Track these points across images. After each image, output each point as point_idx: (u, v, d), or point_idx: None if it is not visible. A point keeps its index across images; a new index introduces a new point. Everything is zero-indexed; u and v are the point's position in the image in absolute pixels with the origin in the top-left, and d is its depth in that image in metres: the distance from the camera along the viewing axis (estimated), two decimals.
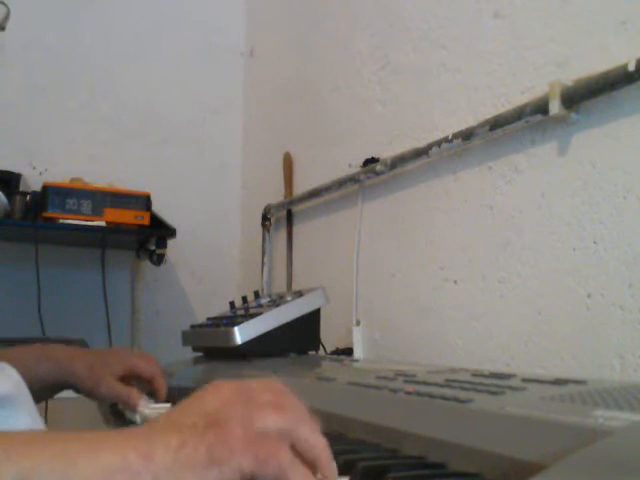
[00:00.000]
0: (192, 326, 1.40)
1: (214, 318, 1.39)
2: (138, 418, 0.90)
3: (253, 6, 2.43)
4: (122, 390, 0.96)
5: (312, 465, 0.46)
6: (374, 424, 0.59)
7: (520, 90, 1.16)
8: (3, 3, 1.02)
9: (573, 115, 1.04)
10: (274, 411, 0.47)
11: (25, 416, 0.67)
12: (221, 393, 0.48)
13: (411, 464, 0.48)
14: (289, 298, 1.26)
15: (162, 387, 1.00)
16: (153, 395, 0.99)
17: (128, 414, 0.94)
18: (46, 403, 1.27)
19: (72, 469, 0.40)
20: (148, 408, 0.92)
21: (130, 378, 1.00)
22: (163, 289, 2.27)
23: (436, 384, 0.66)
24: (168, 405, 0.94)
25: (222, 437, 0.43)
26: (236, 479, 0.43)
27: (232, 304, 1.44)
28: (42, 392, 0.94)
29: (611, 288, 0.97)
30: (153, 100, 2.29)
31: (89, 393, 0.97)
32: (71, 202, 1.89)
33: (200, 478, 0.42)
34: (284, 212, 2.02)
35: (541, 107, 1.07)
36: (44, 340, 1.78)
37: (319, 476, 0.46)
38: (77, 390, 0.98)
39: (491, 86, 1.24)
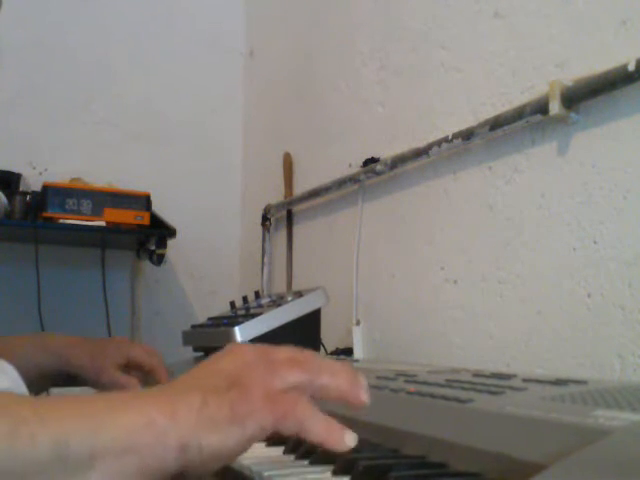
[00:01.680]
0: (193, 326, 1.40)
1: (215, 318, 1.39)
2: None
3: (253, 6, 2.43)
4: (123, 380, 0.96)
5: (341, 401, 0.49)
6: (375, 424, 0.59)
7: (520, 90, 1.17)
8: None
9: (573, 115, 1.04)
10: (292, 367, 0.48)
11: None
12: (240, 355, 0.49)
13: (412, 464, 0.49)
14: (290, 298, 1.26)
15: (163, 379, 1.00)
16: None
17: None
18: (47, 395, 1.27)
19: (102, 429, 0.42)
20: None
21: (130, 369, 1.00)
22: (163, 289, 2.27)
23: (437, 384, 0.66)
24: None
25: (243, 396, 0.45)
26: (258, 435, 0.45)
27: (232, 304, 1.44)
28: (41, 381, 0.94)
29: (611, 288, 0.97)
30: (153, 100, 2.29)
31: (90, 382, 0.97)
32: (71, 202, 1.89)
33: (223, 435, 0.43)
34: (284, 212, 2.02)
35: (541, 107, 1.07)
36: None
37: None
38: (77, 379, 0.97)
39: (491, 86, 1.24)
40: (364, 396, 0.49)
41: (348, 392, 0.49)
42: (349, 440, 0.46)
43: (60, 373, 0.96)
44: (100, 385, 0.96)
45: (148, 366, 1.00)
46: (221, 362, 0.49)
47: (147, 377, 1.00)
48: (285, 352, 0.50)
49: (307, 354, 0.51)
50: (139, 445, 0.42)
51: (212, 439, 0.43)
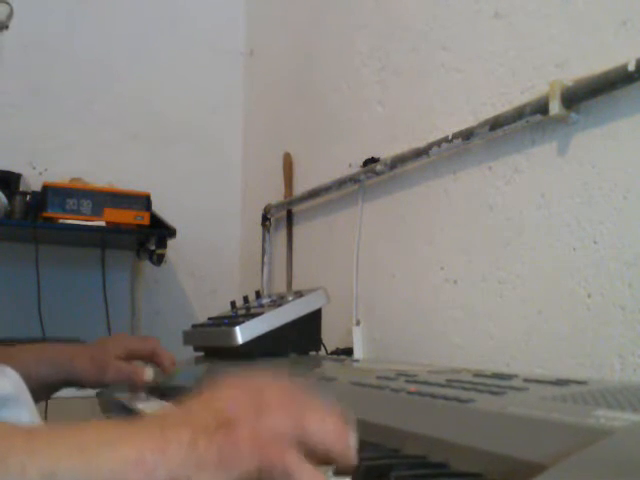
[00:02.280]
0: (193, 326, 1.40)
1: (215, 318, 1.39)
2: (140, 406, 0.91)
3: (253, 6, 2.43)
4: (128, 368, 0.97)
5: (327, 458, 0.47)
6: (376, 424, 0.59)
7: (520, 90, 1.17)
8: (6, 2, 1.02)
9: (573, 115, 1.04)
10: (282, 411, 0.47)
11: (26, 416, 0.67)
12: (231, 393, 0.49)
13: (413, 464, 0.49)
14: (290, 298, 1.26)
15: (165, 358, 1.01)
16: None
17: (132, 405, 0.95)
18: (46, 403, 1.28)
19: (92, 463, 0.42)
20: (143, 403, 0.93)
21: (132, 359, 1.01)
22: (163, 289, 2.27)
23: (437, 384, 0.66)
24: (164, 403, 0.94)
25: (231, 439, 0.45)
26: (243, 478, 0.44)
27: (233, 304, 1.44)
28: (41, 392, 0.95)
29: (611, 288, 0.97)
30: (153, 100, 2.29)
31: (96, 384, 0.98)
32: (71, 202, 1.89)
33: (210, 476, 0.43)
34: (284, 212, 2.02)
35: (541, 107, 1.07)
36: (44, 340, 1.78)
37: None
38: (82, 386, 0.98)
39: (491, 86, 1.24)
40: (352, 455, 0.47)
41: (334, 448, 0.47)
42: None
43: (61, 383, 0.97)
44: (108, 381, 0.97)
45: (148, 352, 1.02)
46: (213, 399, 0.49)
47: (150, 364, 1.01)
48: (276, 392, 0.50)
49: (297, 397, 0.50)
50: None
51: (200, 478, 0.43)
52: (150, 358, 1.03)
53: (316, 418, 0.48)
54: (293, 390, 0.50)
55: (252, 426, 0.46)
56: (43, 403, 1.27)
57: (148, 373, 0.97)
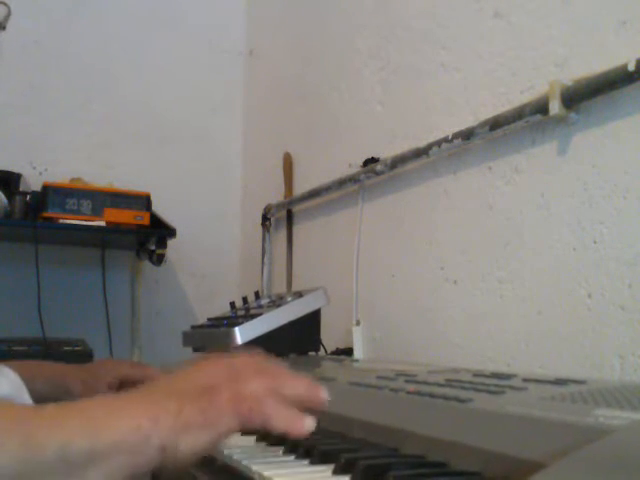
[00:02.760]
0: (193, 326, 1.40)
1: (215, 318, 1.39)
2: None
3: (253, 6, 2.43)
4: None
5: (304, 408, 0.55)
6: (375, 423, 0.59)
7: (520, 90, 1.17)
8: (4, 3, 1.03)
9: (573, 115, 1.04)
10: (257, 376, 0.56)
11: None
12: (209, 367, 0.58)
13: (412, 463, 0.49)
14: (289, 298, 1.26)
15: None
16: None
17: None
18: None
19: (100, 432, 0.50)
20: None
21: (125, 386, 1.02)
22: (163, 289, 2.27)
23: (437, 384, 0.66)
24: None
25: (212, 403, 0.53)
26: (227, 434, 0.53)
27: (232, 304, 1.44)
28: None
29: (611, 288, 0.97)
30: (153, 100, 2.29)
31: None
32: (71, 202, 1.89)
33: (196, 437, 0.52)
34: (284, 212, 2.02)
35: (541, 107, 1.07)
36: (44, 340, 1.78)
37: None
38: None
39: (491, 86, 1.24)
40: (323, 393, 0.56)
41: (307, 393, 0.56)
42: (308, 425, 0.53)
43: (54, 399, 0.98)
44: None
45: (140, 378, 1.02)
46: (193, 372, 0.58)
47: None
48: (250, 363, 0.58)
49: (267, 365, 0.58)
50: (130, 446, 0.50)
51: (187, 440, 0.51)
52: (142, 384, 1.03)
53: (288, 377, 0.57)
54: (265, 361, 0.59)
55: (231, 389, 0.54)
56: None
57: None
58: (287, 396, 0.55)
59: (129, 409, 0.52)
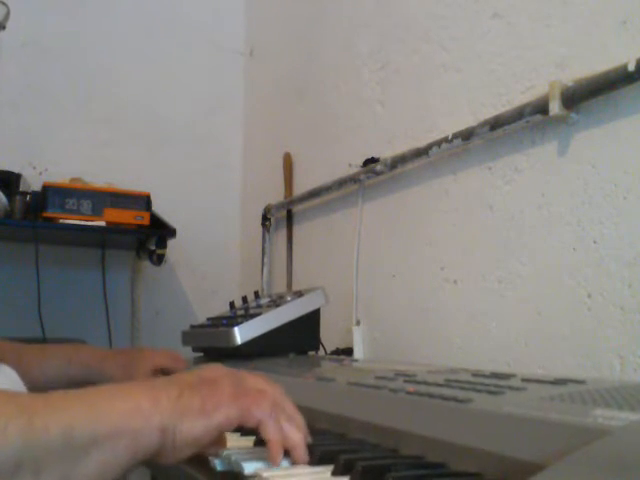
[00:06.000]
0: (192, 326, 1.40)
1: (214, 318, 1.39)
2: None
3: (253, 6, 2.43)
4: None
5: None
6: (374, 424, 0.59)
7: (520, 90, 1.16)
8: (3, 3, 1.03)
9: (573, 115, 1.04)
10: (259, 383, 0.58)
11: None
12: (214, 369, 0.60)
13: (411, 464, 0.48)
14: (289, 298, 1.26)
15: None
16: None
17: None
18: None
19: (101, 415, 0.51)
20: None
21: (158, 375, 1.04)
22: (163, 289, 2.27)
23: (436, 384, 0.66)
24: None
25: (213, 392, 0.55)
26: (224, 425, 0.55)
27: (232, 304, 1.44)
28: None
29: (611, 288, 0.97)
30: (153, 100, 2.29)
31: None
32: (71, 202, 1.89)
33: (192, 422, 0.53)
34: (284, 212, 2.02)
35: (541, 107, 1.07)
36: (44, 340, 1.78)
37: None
38: None
39: (491, 86, 1.24)
40: (305, 455, 0.55)
41: (295, 445, 0.55)
42: (283, 463, 0.53)
43: (88, 383, 0.99)
44: None
45: (174, 371, 1.05)
46: (199, 370, 0.60)
47: None
48: (255, 378, 0.59)
49: (272, 387, 0.59)
50: (130, 427, 0.52)
51: (185, 425, 0.53)
52: None
53: (291, 405, 0.58)
54: (268, 381, 0.60)
55: (234, 385, 0.56)
56: None
57: None
58: (286, 416, 0.56)
59: (130, 393, 0.54)
